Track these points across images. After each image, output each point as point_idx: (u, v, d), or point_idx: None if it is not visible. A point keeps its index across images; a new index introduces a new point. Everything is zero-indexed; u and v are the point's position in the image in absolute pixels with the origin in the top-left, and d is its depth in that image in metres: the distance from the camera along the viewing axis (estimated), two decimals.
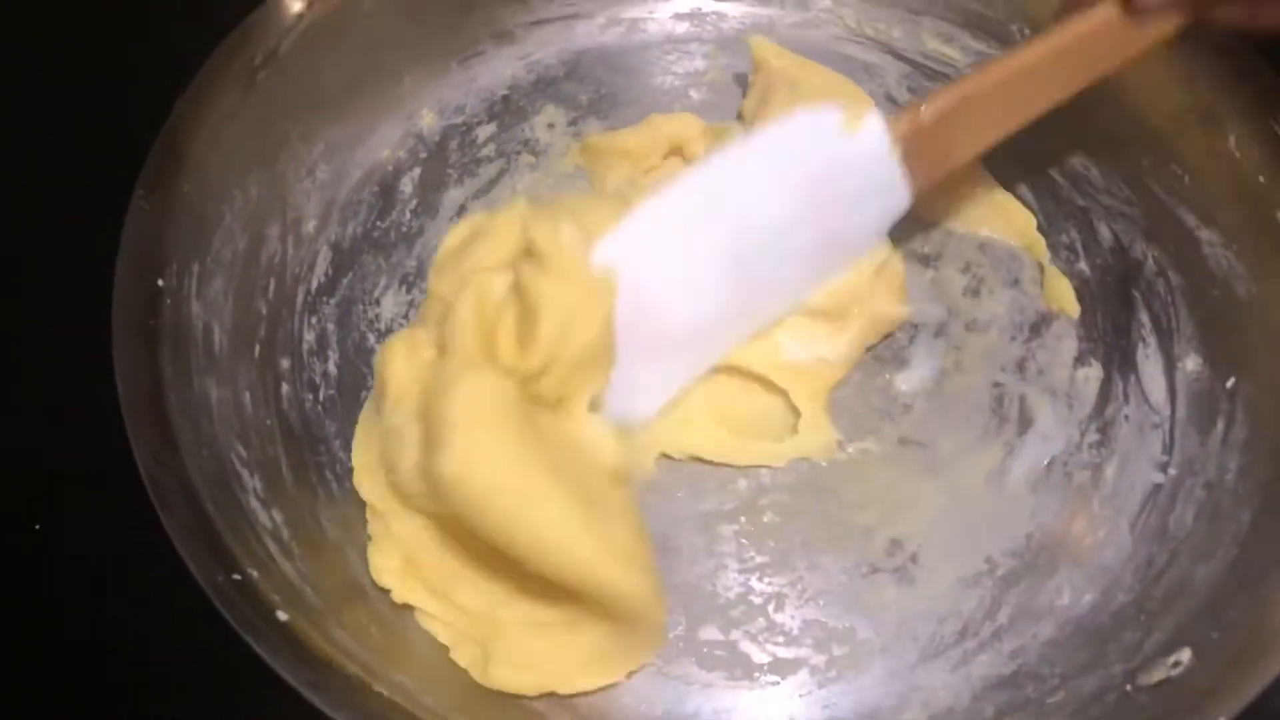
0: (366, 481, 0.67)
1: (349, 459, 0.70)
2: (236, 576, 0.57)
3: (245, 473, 0.64)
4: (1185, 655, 0.60)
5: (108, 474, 0.59)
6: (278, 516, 0.64)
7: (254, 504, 0.63)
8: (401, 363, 0.65)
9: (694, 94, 0.86)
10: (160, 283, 0.65)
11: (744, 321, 0.71)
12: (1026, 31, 0.83)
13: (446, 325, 0.62)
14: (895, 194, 0.70)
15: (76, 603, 0.66)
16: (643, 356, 0.66)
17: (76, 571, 0.67)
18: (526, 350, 0.61)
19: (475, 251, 0.68)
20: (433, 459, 0.57)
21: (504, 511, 0.57)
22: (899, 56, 0.87)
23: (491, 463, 0.57)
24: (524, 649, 0.61)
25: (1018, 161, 0.82)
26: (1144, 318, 0.75)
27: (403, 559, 0.64)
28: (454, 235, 0.73)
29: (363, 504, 0.67)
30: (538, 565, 0.58)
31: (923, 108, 0.67)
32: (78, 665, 0.65)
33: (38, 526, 0.68)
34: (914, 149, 0.68)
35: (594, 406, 0.65)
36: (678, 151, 0.79)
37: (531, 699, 0.61)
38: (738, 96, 0.85)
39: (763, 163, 0.67)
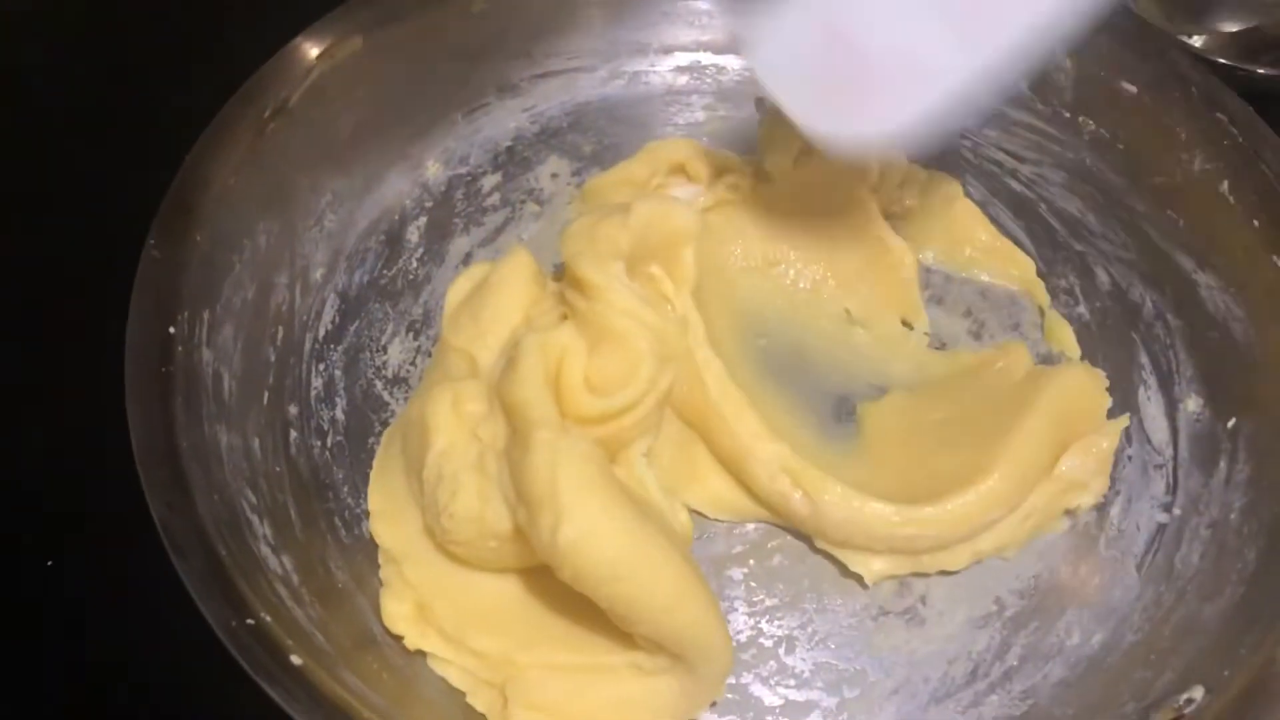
0: (383, 526, 0.67)
1: (357, 505, 0.70)
2: (250, 621, 0.56)
3: (255, 518, 0.64)
4: (1198, 693, 0.60)
5: (123, 520, 0.59)
6: (288, 562, 0.64)
7: (264, 550, 0.63)
8: (449, 415, 0.65)
9: (704, 140, 0.87)
10: (172, 330, 0.65)
11: (969, 30, 0.62)
12: (1022, 82, 0.84)
13: (505, 383, 0.63)
14: None
15: (91, 645, 0.67)
16: (861, 81, 0.62)
17: (91, 615, 0.67)
18: (599, 398, 0.62)
19: (488, 303, 0.69)
20: (551, 530, 0.56)
21: (626, 576, 0.57)
22: None
23: (610, 531, 0.57)
24: (544, 691, 0.60)
25: (1015, 208, 0.83)
26: (1144, 360, 0.76)
27: (416, 605, 0.64)
28: (456, 289, 0.74)
29: (371, 550, 0.68)
30: (645, 622, 0.58)
31: None
32: (91, 706, 0.64)
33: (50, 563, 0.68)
34: None
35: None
36: (680, 170, 0.80)
37: None
38: (737, 148, 0.86)
39: None
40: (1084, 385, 0.71)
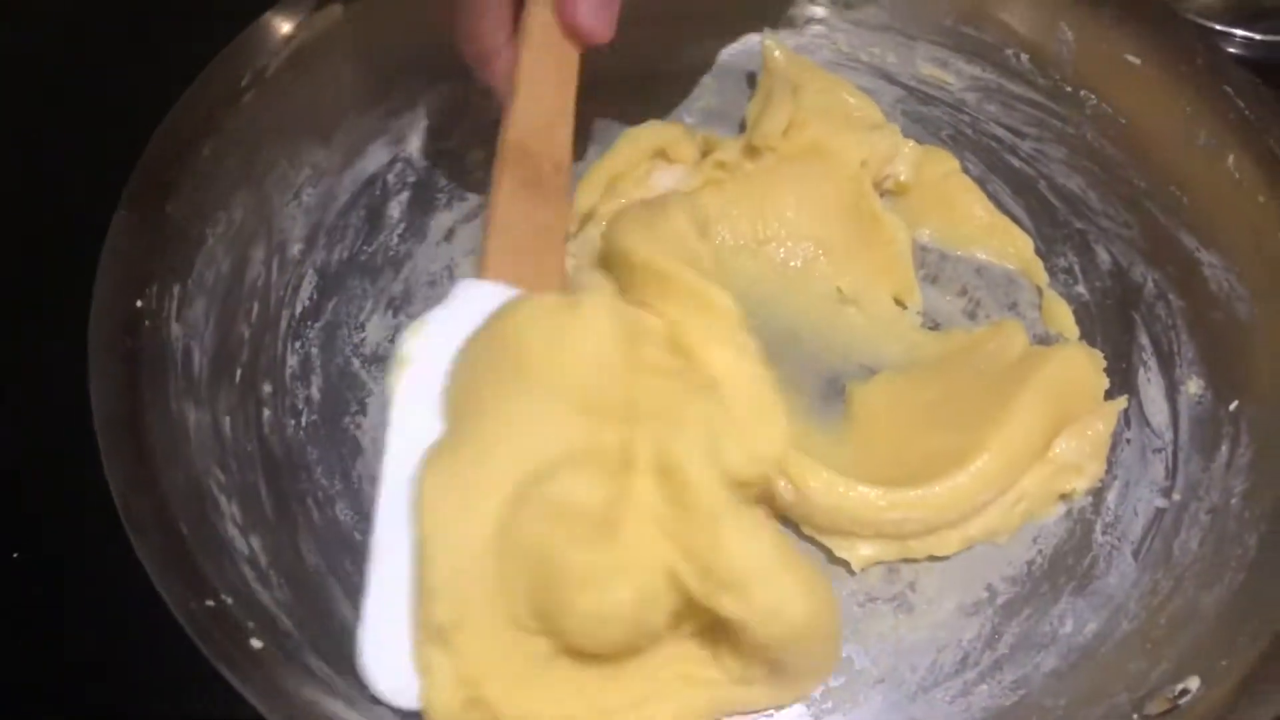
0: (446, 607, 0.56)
1: (331, 486, 0.68)
2: (209, 603, 0.55)
3: (223, 498, 0.62)
4: (1194, 683, 0.58)
5: (83, 496, 0.57)
6: (255, 543, 0.62)
7: (231, 530, 0.61)
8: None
9: (687, 119, 0.85)
10: (139, 304, 0.63)
11: None
12: (1022, 56, 0.82)
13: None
14: None
15: (49, 625, 0.65)
16: None
17: (50, 594, 0.66)
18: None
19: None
20: (774, 609, 0.55)
21: (817, 629, 0.57)
22: (893, 81, 0.86)
23: (803, 591, 0.56)
24: None
25: (1014, 185, 0.81)
26: (1144, 341, 0.74)
27: (470, 694, 0.55)
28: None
29: (345, 532, 0.66)
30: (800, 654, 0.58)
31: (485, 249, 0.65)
32: (47, 686, 0.64)
33: (15, 555, 0.66)
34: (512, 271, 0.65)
35: None
36: (661, 155, 0.78)
37: None
38: (731, 122, 0.84)
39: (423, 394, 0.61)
40: (1081, 365, 0.69)
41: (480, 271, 0.65)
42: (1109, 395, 0.70)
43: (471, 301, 0.63)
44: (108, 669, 0.65)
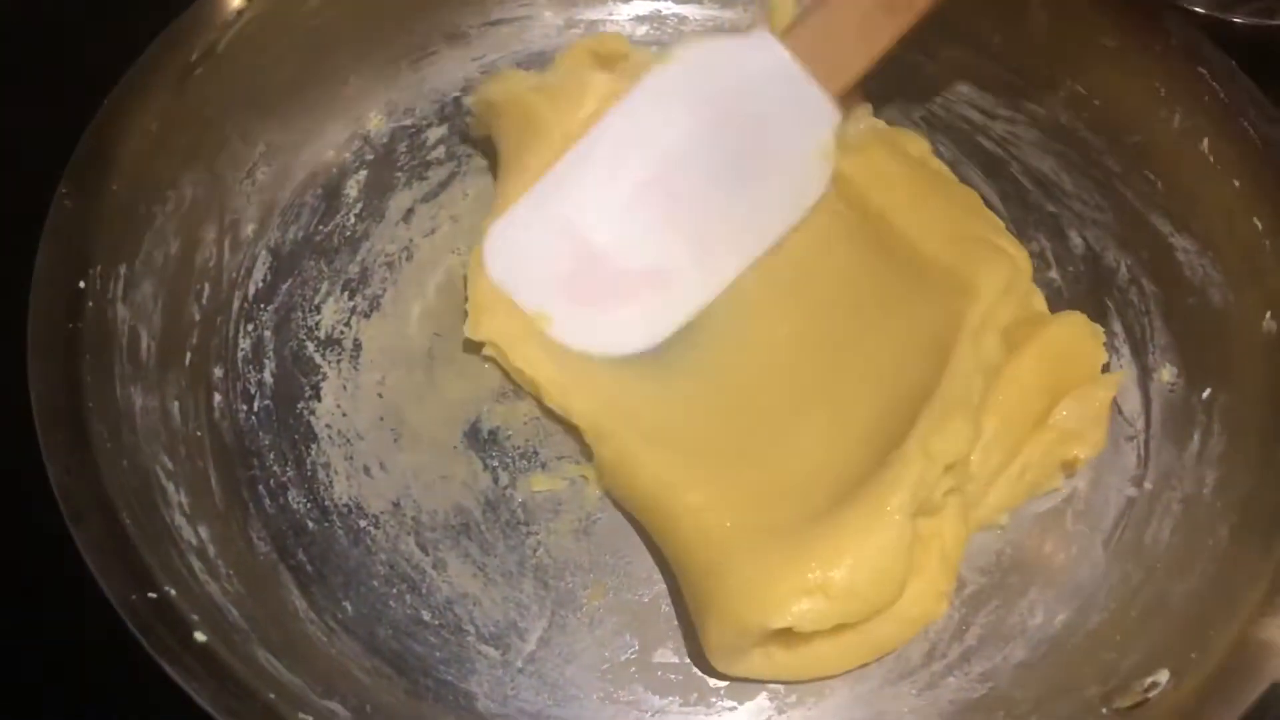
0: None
1: (283, 473, 0.66)
2: (152, 595, 0.53)
3: (170, 486, 0.61)
4: (1163, 676, 0.57)
5: (19, 482, 0.56)
6: (204, 532, 0.60)
7: (178, 519, 0.59)
8: None
9: None
10: (82, 285, 0.61)
11: (712, 254, 0.70)
12: (996, 37, 0.80)
13: None
14: (813, 102, 0.69)
15: None
16: (610, 298, 0.67)
17: None
18: None
19: None
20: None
21: None
22: None
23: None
24: None
25: (986, 168, 0.80)
26: (1117, 327, 0.73)
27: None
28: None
29: (297, 520, 0.64)
30: None
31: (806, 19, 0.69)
32: None
33: None
34: (809, 51, 0.68)
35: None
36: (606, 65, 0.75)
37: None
38: None
39: (671, 94, 0.69)
40: (1082, 334, 0.67)
41: (785, 32, 0.68)
42: None
43: (755, 50, 0.69)
44: (51, 674, 0.63)
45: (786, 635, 0.58)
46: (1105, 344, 0.69)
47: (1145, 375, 0.71)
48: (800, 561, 0.57)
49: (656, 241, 0.69)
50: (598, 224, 0.69)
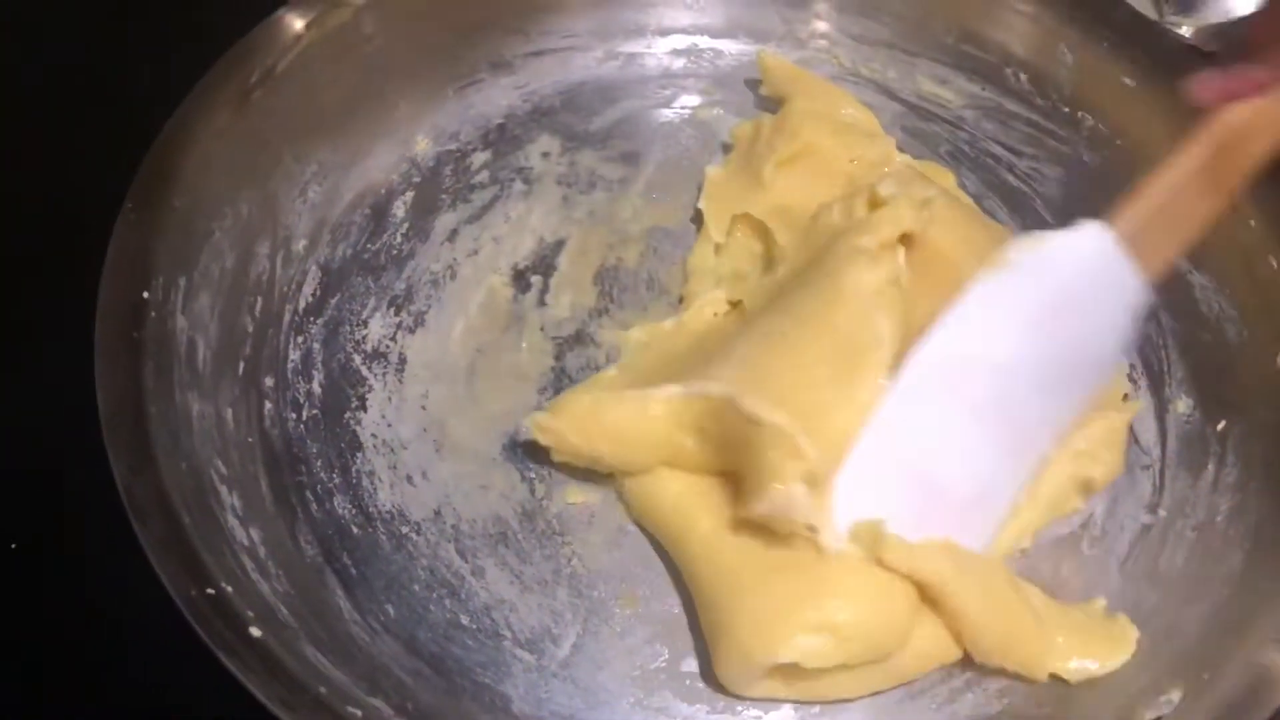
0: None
1: (330, 480, 0.69)
2: (210, 591, 0.55)
3: (224, 489, 0.63)
4: (1175, 695, 0.59)
5: (86, 485, 0.58)
6: (255, 534, 0.63)
7: (231, 521, 0.62)
8: None
9: (689, 130, 0.86)
10: (145, 295, 0.64)
11: (1029, 457, 0.67)
12: (1021, 75, 0.83)
13: None
14: (1131, 289, 0.66)
15: (51, 614, 0.66)
16: (950, 524, 0.63)
17: (51, 583, 0.66)
18: None
19: None
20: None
21: None
22: (893, 97, 0.87)
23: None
24: None
25: (1010, 202, 0.82)
26: (1135, 359, 0.75)
27: None
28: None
29: (343, 524, 0.67)
30: None
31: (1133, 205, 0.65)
32: (48, 676, 0.64)
33: (14, 545, 0.67)
34: (1132, 238, 0.65)
35: None
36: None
37: None
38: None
39: (1002, 302, 0.65)
40: None
41: (1114, 218, 0.65)
42: None
43: (1087, 245, 0.65)
44: (111, 666, 0.65)
45: (797, 666, 0.60)
46: (1126, 375, 0.72)
47: (1162, 407, 0.73)
48: (808, 598, 0.59)
49: (991, 460, 0.65)
50: (938, 456, 0.65)
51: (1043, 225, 0.81)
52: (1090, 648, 0.63)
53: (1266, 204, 0.71)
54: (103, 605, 0.65)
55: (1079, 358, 0.66)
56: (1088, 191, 0.80)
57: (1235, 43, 0.84)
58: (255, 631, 0.55)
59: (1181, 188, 0.65)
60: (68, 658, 0.65)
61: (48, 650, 0.65)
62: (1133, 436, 0.72)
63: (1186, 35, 0.85)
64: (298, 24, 0.75)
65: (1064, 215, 0.79)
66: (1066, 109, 0.81)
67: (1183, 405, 0.73)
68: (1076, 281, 0.65)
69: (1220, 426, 0.71)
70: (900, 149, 0.81)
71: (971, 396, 0.64)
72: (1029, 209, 0.82)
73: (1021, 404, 0.65)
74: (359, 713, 0.55)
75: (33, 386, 0.71)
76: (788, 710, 0.63)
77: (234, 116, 0.72)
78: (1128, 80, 0.77)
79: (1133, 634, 0.64)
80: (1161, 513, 0.70)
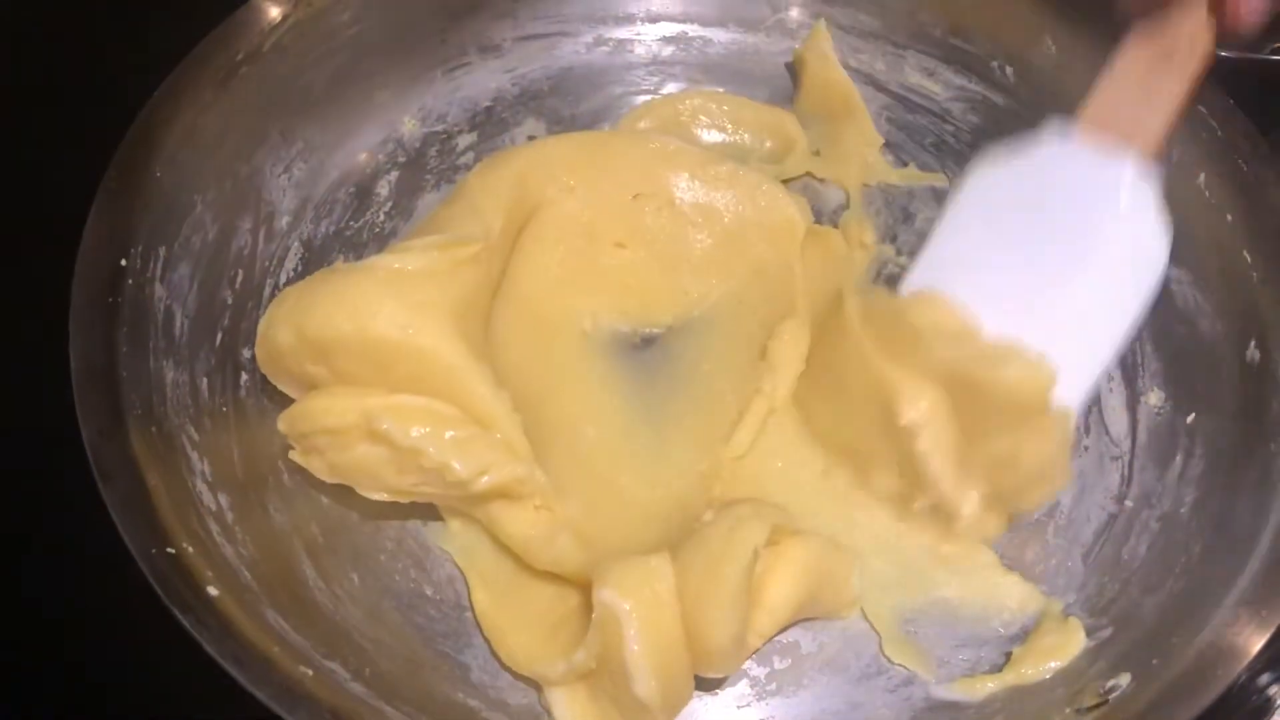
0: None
1: None
2: (170, 550, 0.56)
3: (195, 455, 0.64)
4: (1124, 680, 0.59)
5: (57, 444, 0.59)
6: (224, 500, 0.63)
7: (200, 485, 0.63)
8: None
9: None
10: (124, 262, 0.65)
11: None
12: (1008, 69, 0.83)
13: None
14: (1119, 170, 0.66)
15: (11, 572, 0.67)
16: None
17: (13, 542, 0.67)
18: None
19: None
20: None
21: None
22: (881, 89, 0.88)
23: None
24: None
25: None
26: None
27: None
28: None
29: (310, 495, 0.68)
30: None
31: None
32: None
33: None
34: (1104, 124, 0.66)
35: None
36: None
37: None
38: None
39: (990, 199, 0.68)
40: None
41: (1079, 116, 0.66)
42: None
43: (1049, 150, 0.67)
44: (64, 616, 0.67)
45: None
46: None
47: (1134, 398, 0.74)
48: None
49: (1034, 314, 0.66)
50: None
51: None
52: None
53: (1241, 199, 0.71)
54: (83, 588, 0.66)
55: (1089, 250, 0.66)
56: None
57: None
58: (213, 591, 0.56)
59: (1130, 70, 0.66)
60: (25, 613, 0.66)
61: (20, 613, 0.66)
62: (1104, 427, 0.73)
63: None
64: (283, 4, 0.75)
65: None
66: (1049, 103, 0.81)
67: (1154, 397, 0.73)
68: (1052, 174, 0.67)
69: (1190, 419, 0.71)
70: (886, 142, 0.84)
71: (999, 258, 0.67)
72: None
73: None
74: (310, 672, 0.55)
75: (7, 348, 0.72)
76: (743, 686, 0.64)
77: (219, 92, 0.73)
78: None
79: (1080, 637, 0.64)
80: (1128, 503, 0.70)
